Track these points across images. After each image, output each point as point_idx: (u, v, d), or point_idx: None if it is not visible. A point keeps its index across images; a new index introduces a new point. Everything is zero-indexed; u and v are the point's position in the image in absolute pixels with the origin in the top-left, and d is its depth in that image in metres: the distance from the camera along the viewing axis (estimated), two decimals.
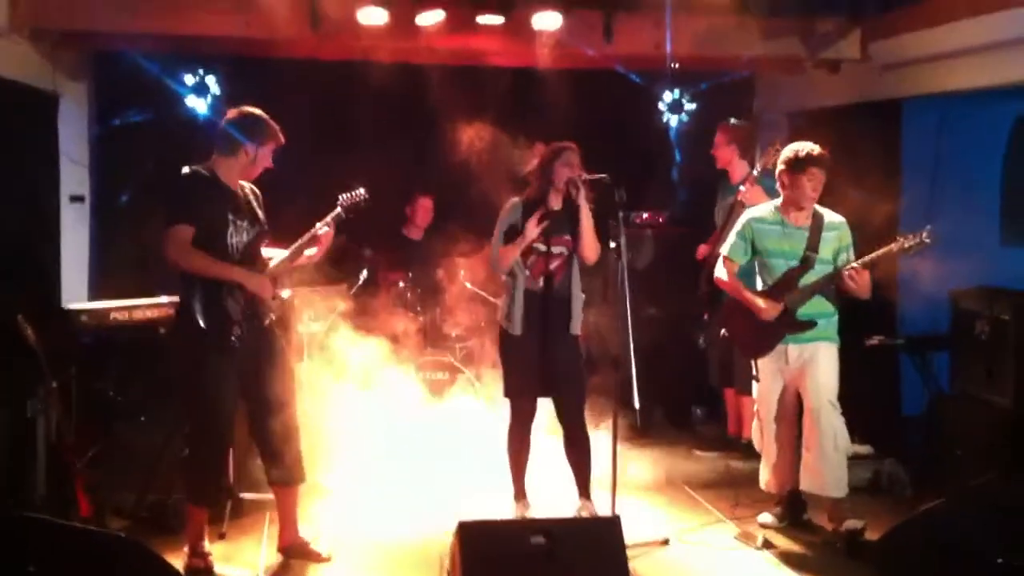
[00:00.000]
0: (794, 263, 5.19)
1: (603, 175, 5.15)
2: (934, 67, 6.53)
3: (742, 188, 6.24)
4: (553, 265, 5.28)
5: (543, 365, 5.24)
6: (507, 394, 5.43)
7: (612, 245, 4.99)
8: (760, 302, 5.19)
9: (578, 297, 5.33)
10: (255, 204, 4.83)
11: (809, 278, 5.17)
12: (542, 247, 5.25)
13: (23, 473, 5.29)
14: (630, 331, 4.79)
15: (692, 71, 7.68)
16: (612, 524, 4.29)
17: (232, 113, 4.76)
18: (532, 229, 5.18)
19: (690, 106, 7.80)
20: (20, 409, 5.33)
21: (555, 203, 5.31)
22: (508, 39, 6.81)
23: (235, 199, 4.71)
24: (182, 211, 4.55)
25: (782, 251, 5.20)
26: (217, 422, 4.69)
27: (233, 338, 4.58)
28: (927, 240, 4.90)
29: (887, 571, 4.66)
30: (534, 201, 5.32)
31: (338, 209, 5.03)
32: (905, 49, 6.73)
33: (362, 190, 5.13)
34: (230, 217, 4.64)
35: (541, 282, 5.26)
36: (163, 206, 4.64)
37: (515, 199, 5.40)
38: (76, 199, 7.60)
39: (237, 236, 4.66)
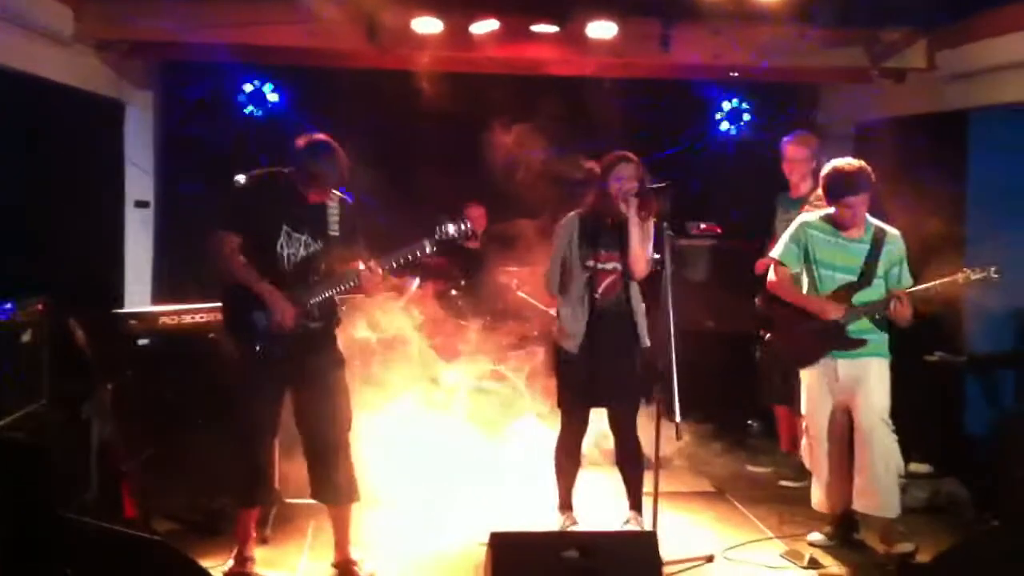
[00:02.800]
0: (849, 277, 5.06)
1: (665, 182, 5.03)
2: (1003, 77, 6.35)
3: (816, 204, 6.03)
4: (608, 281, 5.17)
5: (597, 378, 5.15)
6: (559, 406, 5.38)
7: (656, 256, 4.90)
8: (822, 302, 5.04)
9: (639, 311, 5.19)
10: (334, 219, 4.70)
11: (863, 295, 5.03)
12: (597, 264, 5.17)
13: (76, 474, 5.40)
14: (673, 343, 4.68)
15: (752, 81, 7.56)
16: (649, 539, 4.22)
17: (300, 141, 4.63)
18: None
19: (750, 116, 7.68)
20: (76, 411, 5.45)
21: (611, 218, 5.19)
22: (563, 48, 6.78)
23: (299, 211, 4.65)
24: (227, 219, 4.61)
25: (833, 264, 5.08)
26: (250, 427, 4.70)
27: (257, 349, 4.58)
28: (995, 276, 4.78)
29: None
30: (591, 215, 5.25)
31: (424, 241, 4.68)
32: (973, 59, 6.56)
33: (465, 225, 4.78)
34: (284, 228, 4.62)
35: (599, 299, 5.16)
36: (215, 212, 4.72)
37: (572, 213, 5.31)
38: (141, 204, 7.79)
39: (291, 248, 4.63)
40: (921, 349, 6.11)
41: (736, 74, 7.14)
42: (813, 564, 5.03)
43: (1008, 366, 6.14)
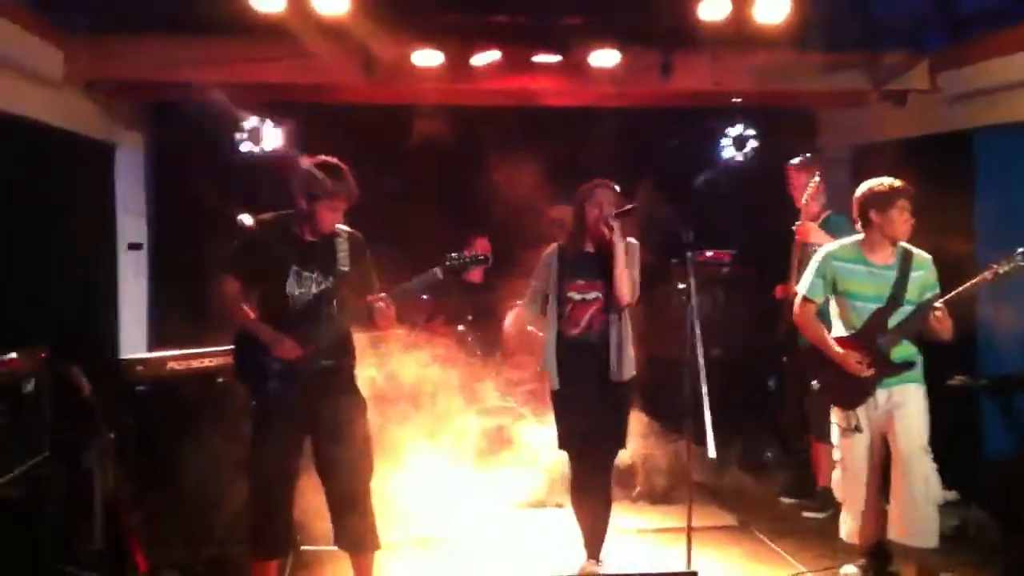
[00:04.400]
0: (880, 305, 4.92)
1: (630, 205, 4.92)
2: (1007, 96, 6.32)
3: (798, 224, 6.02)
4: (589, 312, 5.00)
5: (589, 414, 4.97)
6: (561, 447, 5.17)
7: (681, 286, 4.76)
8: (845, 357, 4.90)
9: (619, 344, 4.96)
10: (343, 253, 4.56)
11: (897, 318, 4.90)
12: (576, 295, 5.00)
13: (80, 528, 5.18)
14: (704, 376, 4.53)
15: (752, 107, 7.51)
16: None
17: (305, 161, 4.52)
18: None
19: (753, 142, 7.64)
20: (77, 462, 5.24)
21: (591, 246, 5.06)
22: (565, 78, 6.69)
23: (308, 249, 4.51)
24: (229, 263, 4.51)
25: (865, 295, 4.90)
26: (264, 474, 4.50)
27: (270, 391, 4.43)
28: (1022, 263, 4.64)
29: None
30: (570, 246, 5.10)
31: (435, 269, 4.57)
32: (976, 79, 6.53)
33: (480, 255, 4.75)
34: (293, 268, 4.48)
35: (578, 331, 4.99)
36: (219, 255, 4.59)
37: (553, 245, 5.17)
38: (134, 247, 7.62)
39: (301, 288, 4.48)
40: (938, 374, 5.99)
41: (738, 100, 7.08)
42: None
43: None
